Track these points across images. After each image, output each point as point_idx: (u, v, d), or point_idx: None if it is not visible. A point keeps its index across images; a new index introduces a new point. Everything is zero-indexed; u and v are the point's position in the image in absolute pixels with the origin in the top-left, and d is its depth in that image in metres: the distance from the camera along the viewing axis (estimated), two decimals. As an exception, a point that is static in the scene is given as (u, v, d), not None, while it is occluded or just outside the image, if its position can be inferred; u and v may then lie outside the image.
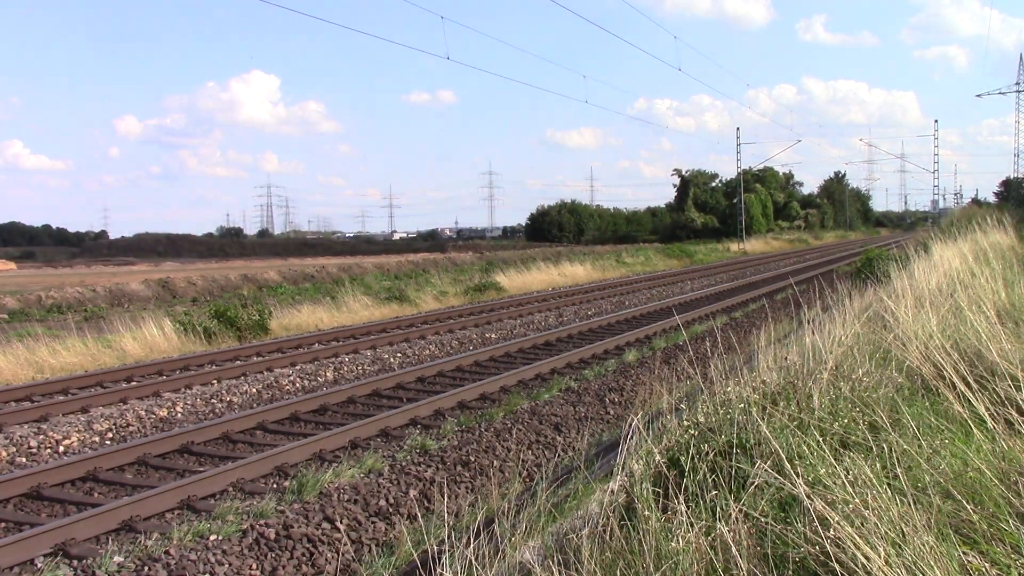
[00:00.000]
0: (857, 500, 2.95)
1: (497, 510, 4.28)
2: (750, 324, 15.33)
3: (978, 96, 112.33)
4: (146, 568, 5.11)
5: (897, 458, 3.42)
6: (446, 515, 6.15)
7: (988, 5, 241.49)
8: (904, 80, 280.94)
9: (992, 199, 68.94)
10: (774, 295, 20.69)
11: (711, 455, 3.89)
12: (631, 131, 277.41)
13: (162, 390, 10.49)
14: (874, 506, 2.88)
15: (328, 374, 11.97)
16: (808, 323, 6.34)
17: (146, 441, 7.97)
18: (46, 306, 24.24)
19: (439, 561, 3.27)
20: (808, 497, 2.96)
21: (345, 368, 12.33)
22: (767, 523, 3.13)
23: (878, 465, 3.44)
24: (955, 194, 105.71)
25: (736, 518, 3.11)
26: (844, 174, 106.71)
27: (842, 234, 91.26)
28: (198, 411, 9.82)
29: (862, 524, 2.78)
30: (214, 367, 11.92)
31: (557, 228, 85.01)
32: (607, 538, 3.42)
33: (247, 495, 6.68)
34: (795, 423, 4.18)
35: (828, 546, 2.73)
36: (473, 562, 3.18)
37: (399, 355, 13.46)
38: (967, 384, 3.94)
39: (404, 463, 7.34)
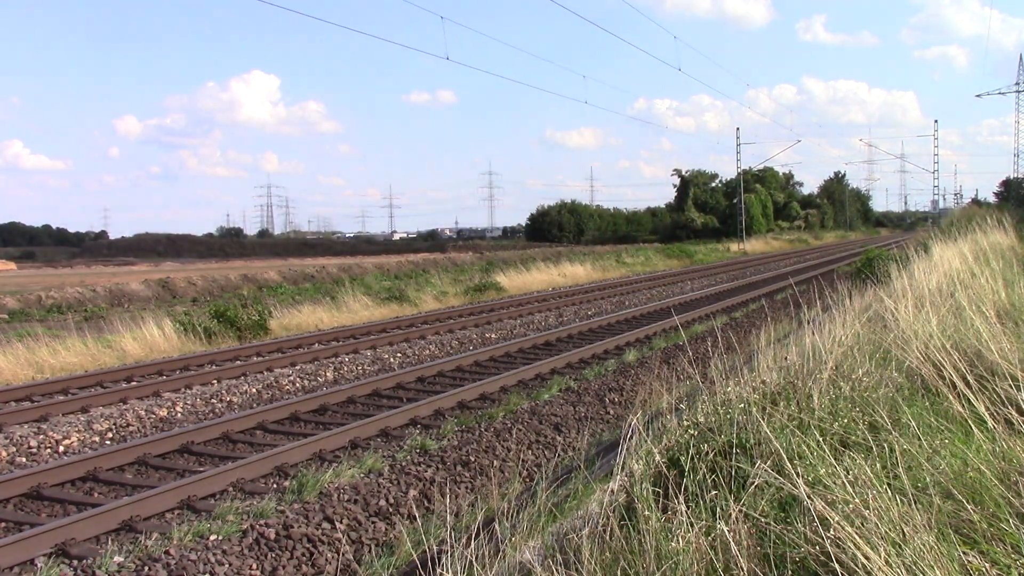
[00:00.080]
0: (857, 500, 2.94)
1: (497, 510, 4.28)
2: (750, 324, 15.32)
3: (978, 96, 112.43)
4: (146, 568, 5.11)
5: (897, 458, 3.41)
6: (446, 515, 6.14)
7: (988, 5, 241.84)
8: (904, 80, 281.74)
9: (992, 199, 69.03)
10: (774, 295, 20.69)
11: (711, 455, 3.89)
12: (631, 131, 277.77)
13: (162, 390, 10.49)
14: (874, 506, 2.88)
15: (328, 374, 11.97)
16: (808, 323, 6.34)
17: (146, 441, 7.97)
18: (46, 306, 24.24)
19: (439, 561, 3.27)
20: (808, 497, 2.96)
21: (345, 368, 12.33)
22: (767, 523, 3.13)
23: (878, 465, 3.44)
24: (955, 194, 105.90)
25: (736, 518, 3.11)
26: (844, 174, 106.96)
27: (842, 234, 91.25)
28: (198, 411, 9.82)
29: (862, 524, 2.78)
30: (214, 367, 11.92)
31: (557, 228, 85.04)
32: (607, 538, 3.42)
33: (247, 495, 6.68)
34: (795, 423, 4.18)
35: (828, 546, 2.72)
36: (473, 562, 3.18)
37: (399, 355, 13.45)
38: (967, 384, 3.95)
39: (404, 463, 7.34)
